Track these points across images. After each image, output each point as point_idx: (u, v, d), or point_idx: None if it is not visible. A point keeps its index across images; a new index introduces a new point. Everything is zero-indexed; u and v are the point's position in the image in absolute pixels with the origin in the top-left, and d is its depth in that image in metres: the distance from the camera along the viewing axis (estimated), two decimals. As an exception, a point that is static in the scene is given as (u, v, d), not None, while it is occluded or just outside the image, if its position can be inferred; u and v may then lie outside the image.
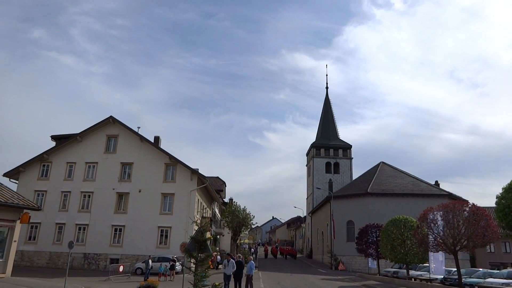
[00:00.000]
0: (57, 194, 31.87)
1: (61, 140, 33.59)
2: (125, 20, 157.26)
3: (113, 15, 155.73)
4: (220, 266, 34.43)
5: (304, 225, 70.32)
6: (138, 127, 33.70)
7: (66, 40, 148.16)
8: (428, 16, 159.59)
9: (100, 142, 33.17)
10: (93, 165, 32.64)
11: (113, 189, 31.70)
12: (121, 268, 24.43)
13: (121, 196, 31.79)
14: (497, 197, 17.04)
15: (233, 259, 18.16)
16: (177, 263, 26.25)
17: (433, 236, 19.56)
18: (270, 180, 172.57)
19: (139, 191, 31.49)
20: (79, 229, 31.11)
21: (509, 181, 17.20)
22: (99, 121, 33.30)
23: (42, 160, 32.76)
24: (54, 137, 34.39)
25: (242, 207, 41.40)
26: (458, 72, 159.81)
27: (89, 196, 31.84)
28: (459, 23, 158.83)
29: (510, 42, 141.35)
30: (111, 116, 33.20)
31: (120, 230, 30.88)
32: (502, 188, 16.69)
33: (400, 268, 28.15)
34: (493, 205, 20.62)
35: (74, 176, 32.40)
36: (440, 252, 20.62)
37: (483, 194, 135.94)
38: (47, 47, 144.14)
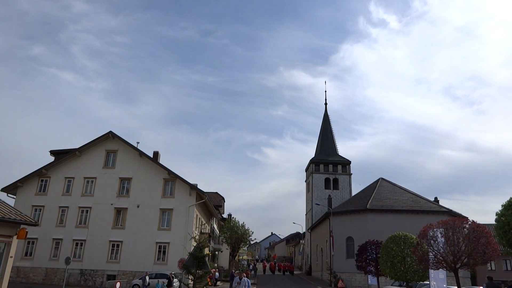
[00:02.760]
0: (55, 209, 31.70)
1: (60, 155, 33.59)
2: (124, 37, 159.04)
3: (113, 32, 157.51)
4: (218, 283, 34.04)
5: (303, 241, 69.71)
6: (138, 142, 33.86)
7: (66, 57, 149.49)
8: (423, 35, 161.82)
9: (99, 157, 33.17)
10: (91, 180, 32.55)
11: (111, 204, 31.57)
12: (118, 285, 24.13)
13: (119, 211, 31.63)
14: (496, 214, 16.92)
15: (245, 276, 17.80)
16: (175, 280, 25.95)
17: (433, 253, 19.35)
18: (269, 195, 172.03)
19: (138, 207, 31.35)
20: (76, 244, 30.84)
21: (508, 198, 17.15)
22: (99, 136, 33.38)
23: (40, 175, 32.68)
24: (53, 152, 34.39)
25: (241, 223, 41.11)
26: (454, 89, 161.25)
27: (87, 212, 31.67)
28: (453, 41, 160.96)
29: (504, 60, 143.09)
30: (110, 131, 33.29)
31: (118, 245, 30.62)
32: (502, 205, 16.59)
33: (400, 285, 27.80)
34: (493, 222, 20.53)
35: (72, 191, 32.29)
36: (440, 269, 20.37)
37: (482, 211, 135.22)
38: (47, 63, 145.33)
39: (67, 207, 31.74)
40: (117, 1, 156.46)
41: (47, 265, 30.38)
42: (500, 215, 15.65)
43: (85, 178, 32.56)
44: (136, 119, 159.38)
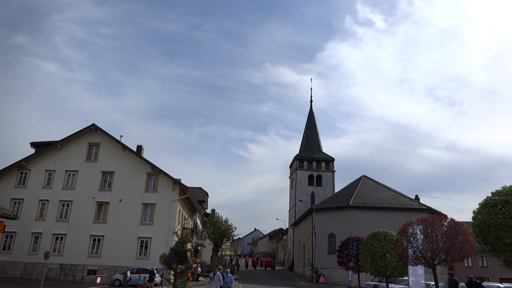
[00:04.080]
0: (35, 202, 31.09)
1: (41, 148, 32.93)
2: (109, 29, 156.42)
3: (98, 23, 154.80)
4: (200, 278, 34.03)
5: (286, 237, 70.18)
6: (121, 136, 33.45)
7: (49, 47, 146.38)
8: (408, 36, 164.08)
9: (81, 150, 32.67)
10: (73, 173, 32.04)
11: (93, 198, 31.15)
12: (98, 280, 23.90)
13: (101, 205, 31.25)
14: (473, 213, 17.39)
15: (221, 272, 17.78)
16: (157, 275, 25.81)
17: (412, 249, 19.80)
18: (253, 191, 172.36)
19: (120, 201, 31.03)
20: (56, 239, 30.35)
21: (485, 197, 17.59)
22: (81, 128, 32.87)
23: (20, 167, 31.99)
24: (33, 144, 33.68)
25: (224, 218, 41.16)
26: (436, 90, 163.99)
27: (68, 205, 31.17)
28: (437, 43, 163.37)
29: (485, 63, 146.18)
30: (93, 124, 32.81)
31: (99, 240, 30.27)
32: (479, 204, 17.08)
33: (380, 281, 28.25)
34: (471, 220, 21.00)
35: (53, 184, 31.72)
36: (419, 265, 20.85)
37: (461, 209, 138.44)
38: (30, 53, 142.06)
39: (48, 200, 31.17)
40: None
41: (25, 259, 29.78)
42: (477, 213, 16.20)
43: (66, 171, 32.01)
44: (120, 112, 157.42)
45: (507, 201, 14.64)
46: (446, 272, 38.30)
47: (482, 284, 15.84)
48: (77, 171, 32.03)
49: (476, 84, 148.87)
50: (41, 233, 30.33)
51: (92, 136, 33.11)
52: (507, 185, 15.59)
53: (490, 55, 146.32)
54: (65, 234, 30.31)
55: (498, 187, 16.08)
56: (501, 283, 25.32)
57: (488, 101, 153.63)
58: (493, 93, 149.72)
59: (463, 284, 22.75)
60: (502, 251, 14.50)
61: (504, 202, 14.69)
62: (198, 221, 47.87)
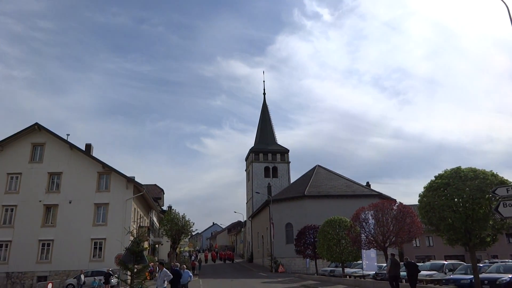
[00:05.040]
0: (-26, 209, 28.99)
1: (-22, 150, 30.68)
2: (50, 22, 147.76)
3: (36, 17, 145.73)
4: (158, 277, 33.48)
5: (244, 229, 70.67)
6: (68, 135, 32.10)
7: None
8: (354, 29, 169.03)
9: (25, 151, 30.86)
10: (16, 176, 30.22)
11: (40, 201, 29.60)
12: (49, 286, 22.84)
13: (49, 208, 29.79)
14: (419, 196, 18.39)
15: (173, 268, 17.55)
16: (113, 276, 25.08)
17: (365, 234, 20.73)
18: (210, 186, 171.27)
19: (70, 202, 29.74)
20: (1, 246, 28.57)
21: (429, 181, 18.72)
22: (23, 128, 31.00)
23: (-45, 172, 29.64)
24: (-31, 147, 31.29)
25: (181, 214, 40.63)
26: (382, 80, 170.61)
27: (12, 210, 29.40)
28: (381, 35, 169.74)
29: (425, 54, 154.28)
30: (36, 123, 31.08)
31: (49, 245, 28.88)
32: (424, 187, 18.01)
33: (336, 266, 29.27)
34: (417, 202, 22.28)
35: (-7, 188, 29.71)
36: (371, 249, 21.86)
37: (408, 193, 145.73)
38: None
39: (-12, 206, 29.19)
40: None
41: (-34, 270, 27.81)
42: (422, 196, 17.08)
43: (8, 174, 30.13)
44: (66, 110, 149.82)
45: (448, 184, 15.51)
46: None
47: (417, 264, 17.72)
48: (20, 173, 30.24)
49: (418, 74, 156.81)
50: (-18, 242, 28.39)
51: (35, 136, 31.34)
52: (448, 168, 16.55)
53: (429, 47, 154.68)
54: (10, 241, 28.59)
55: (440, 170, 17.02)
56: (445, 260, 27.09)
57: (429, 90, 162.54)
58: (433, 83, 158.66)
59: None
60: (445, 231, 15.49)
61: (446, 185, 15.55)
62: (155, 219, 46.96)
